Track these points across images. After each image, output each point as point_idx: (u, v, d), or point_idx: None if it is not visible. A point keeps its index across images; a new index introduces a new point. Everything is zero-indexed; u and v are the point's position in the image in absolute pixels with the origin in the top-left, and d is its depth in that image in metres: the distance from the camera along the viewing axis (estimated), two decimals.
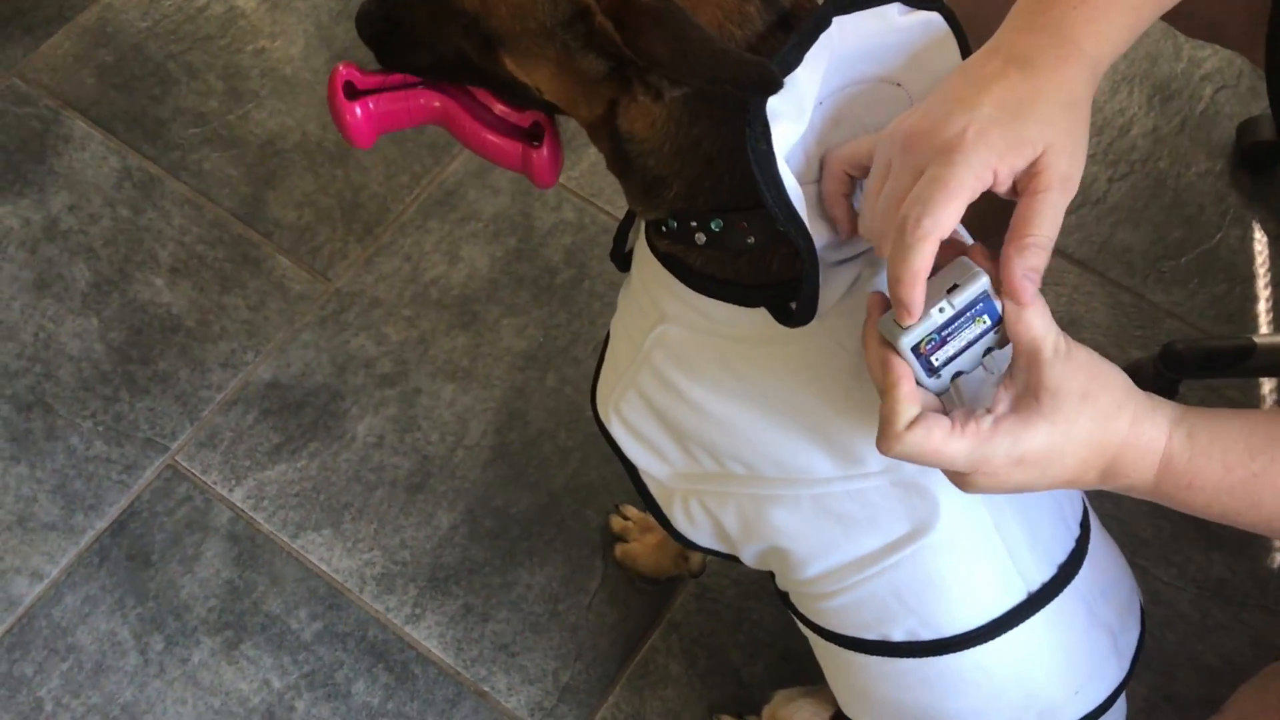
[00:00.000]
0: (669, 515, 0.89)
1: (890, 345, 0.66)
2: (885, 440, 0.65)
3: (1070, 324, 1.36)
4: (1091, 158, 1.47)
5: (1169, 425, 0.67)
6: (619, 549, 1.25)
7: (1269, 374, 1.32)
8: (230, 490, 1.28)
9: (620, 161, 0.74)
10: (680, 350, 0.79)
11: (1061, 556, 0.83)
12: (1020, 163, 0.63)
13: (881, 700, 0.88)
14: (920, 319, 0.64)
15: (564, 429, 1.32)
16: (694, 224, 0.74)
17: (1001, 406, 0.66)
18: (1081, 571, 0.84)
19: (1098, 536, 0.88)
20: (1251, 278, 1.41)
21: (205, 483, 1.29)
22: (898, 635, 0.83)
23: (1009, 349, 0.67)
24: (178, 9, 1.56)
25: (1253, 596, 1.25)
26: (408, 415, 1.33)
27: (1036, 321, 0.65)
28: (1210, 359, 1.26)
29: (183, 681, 1.20)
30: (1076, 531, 0.85)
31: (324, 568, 1.25)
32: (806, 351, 0.75)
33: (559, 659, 1.22)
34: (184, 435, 1.31)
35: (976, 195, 0.63)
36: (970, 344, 0.66)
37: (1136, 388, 0.68)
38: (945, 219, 0.62)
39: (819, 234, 0.69)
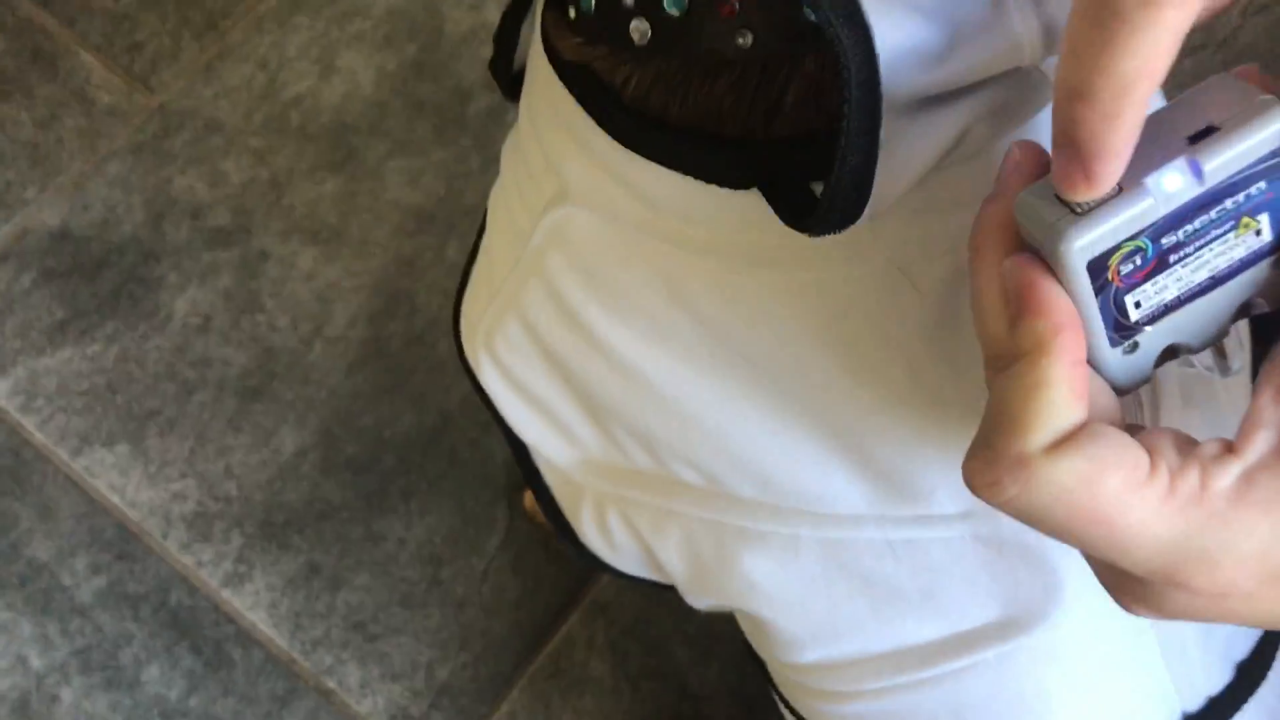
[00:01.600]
0: (574, 524, 0.53)
1: (1038, 252, 0.29)
2: (1000, 463, 0.29)
3: None
4: None
5: None
6: (529, 496, 0.89)
7: None
8: None
9: None
10: (595, 259, 0.42)
11: (1242, 653, 0.48)
12: None
13: None
14: (1115, 198, 0.28)
15: None
16: (628, 1, 0.36)
17: (1261, 441, 0.29)
18: (1272, 675, 0.49)
19: None
20: None
21: None
22: None
23: None
24: None
25: None
26: (247, 289, 0.95)
27: None
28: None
29: None
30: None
31: (115, 500, 0.89)
32: (838, 286, 0.38)
33: (436, 647, 0.87)
34: None
35: None
36: (1214, 281, 0.30)
37: None
38: None
39: (895, 24, 0.31)
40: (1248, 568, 0.29)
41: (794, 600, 0.45)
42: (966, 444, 0.30)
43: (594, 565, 0.54)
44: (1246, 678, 0.48)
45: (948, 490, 0.40)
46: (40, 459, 0.91)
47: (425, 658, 0.87)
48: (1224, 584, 0.29)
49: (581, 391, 0.46)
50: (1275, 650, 0.49)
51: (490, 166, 1.00)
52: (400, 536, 0.90)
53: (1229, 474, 0.28)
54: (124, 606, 0.87)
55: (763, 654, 0.53)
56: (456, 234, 0.97)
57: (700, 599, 0.51)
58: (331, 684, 0.86)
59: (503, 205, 0.49)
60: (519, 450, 0.53)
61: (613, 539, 0.51)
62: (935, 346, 0.37)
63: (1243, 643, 0.48)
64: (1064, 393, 0.28)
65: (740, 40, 0.34)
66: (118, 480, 0.90)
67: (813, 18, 0.28)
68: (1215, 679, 0.47)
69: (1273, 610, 0.30)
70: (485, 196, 0.95)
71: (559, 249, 0.43)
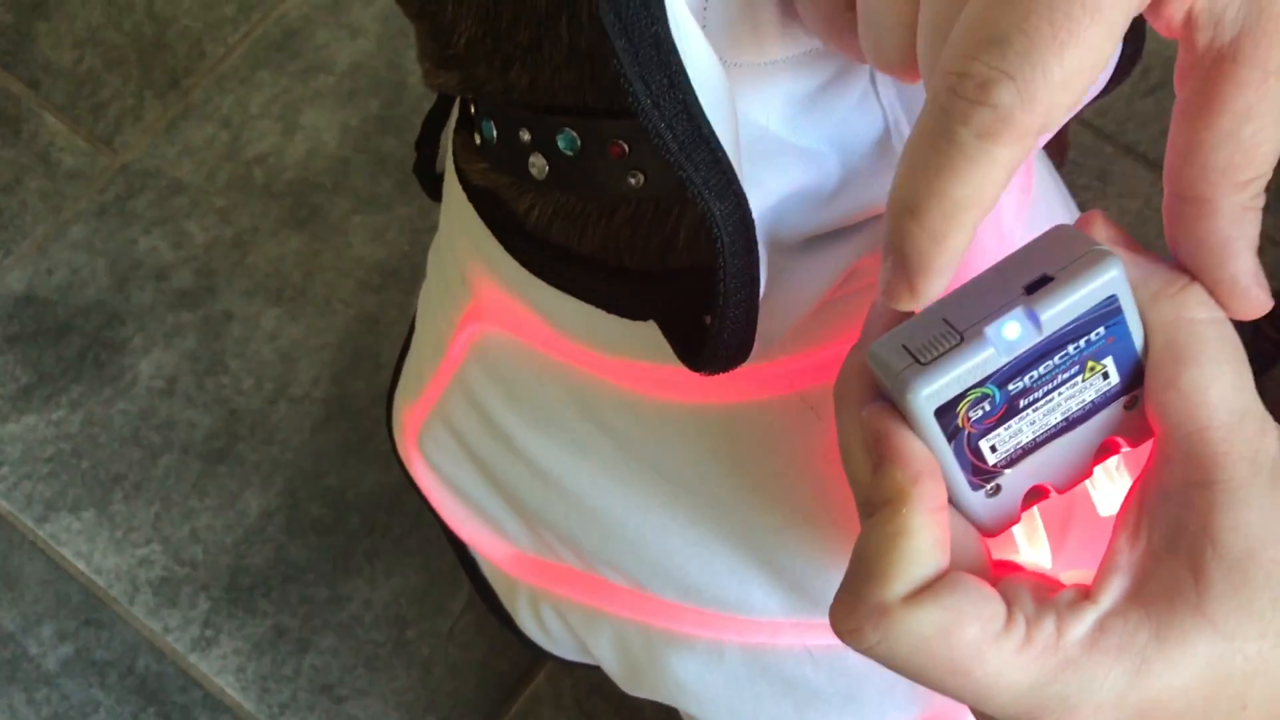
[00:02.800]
0: (512, 613, 0.53)
1: (893, 402, 0.29)
2: (860, 610, 0.30)
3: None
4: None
5: None
6: None
7: None
8: None
9: None
10: (514, 378, 0.42)
11: None
12: None
13: None
14: (958, 346, 0.28)
15: None
16: (525, 135, 0.36)
17: (1115, 587, 0.29)
18: None
19: None
20: None
21: None
22: None
23: (1145, 449, 0.31)
24: None
25: None
26: (212, 350, 0.95)
27: (1223, 380, 0.29)
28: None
29: None
30: None
31: (81, 566, 0.89)
32: (740, 412, 0.38)
33: (403, 709, 0.87)
34: None
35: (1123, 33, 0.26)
36: (1068, 423, 0.31)
37: None
38: (1062, 79, 0.25)
39: (781, 170, 0.31)
40: (1105, 713, 0.29)
41: (721, 701, 0.45)
42: None
43: (535, 653, 0.54)
44: None
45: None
46: (5, 526, 0.91)
47: (393, 719, 0.87)
48: None
49: (508, 494, 0.46)
50: None
51: None
52: (366, 598, 0.90)
53: (1083, 622, 0.29)
54: (91, 674, 0.87)
55: None
56: (419, 289, 0.97)
57: (636, 691, 0.52)
58: None
59: (427, 307, 0.49)
60: (456, 546, 0.53)
61: (549, 631, 0.51)
62: (834, 467, 0.38)
63: None
64: (924, 541, 0.28)
65: (632, 180, 0.35)
66: (84, 546, 0.90)
67: (674, 162, 0.28)
68: None
69: None
70: None
71: (476, 361, 0.43)
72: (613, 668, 0.49)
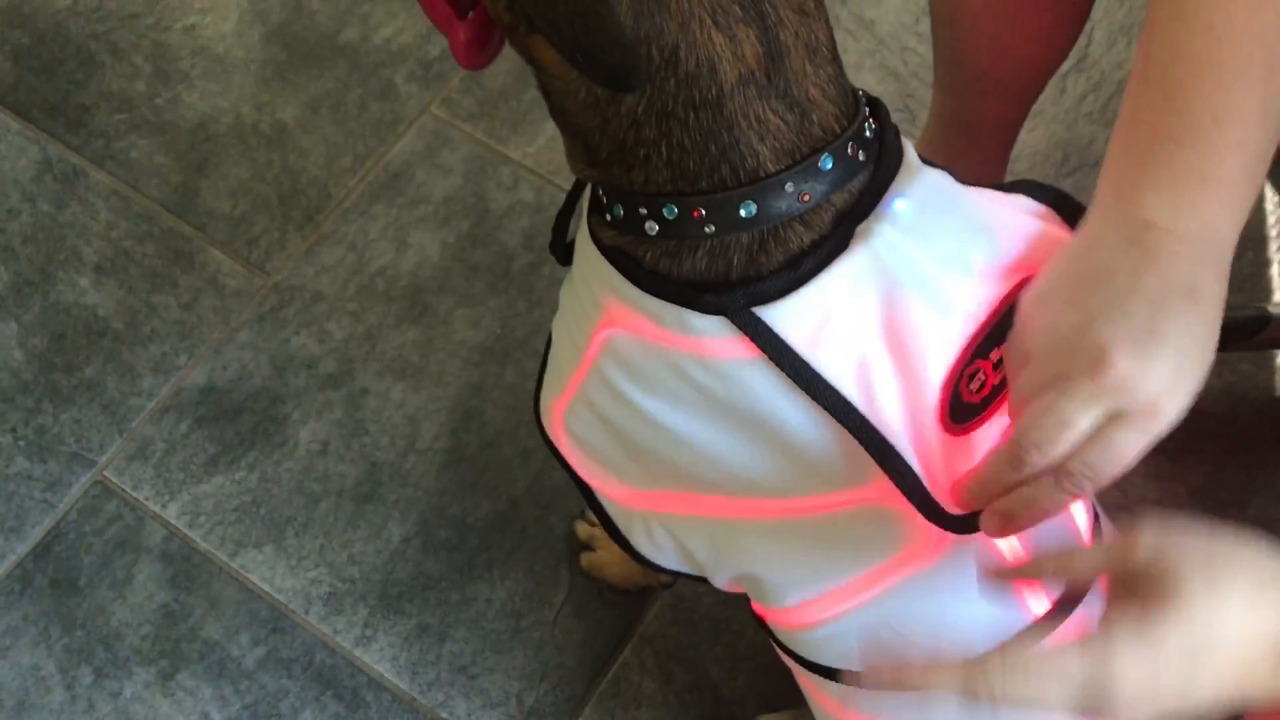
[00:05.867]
0: (630, 539, 0.79)
1: None
2: None
3: None
4: (1088, 116, 1.36)
5: None
6: (585, 558, 1.15)
7: None
8: (163, 506, 1.18)
9: (545, 97, 0.65)
10: (631, 359, 0.69)
11: None
12: None
13: None
14: None
15: (524, 428, 1.22)
16: (643, 210, 0.63)
17: None
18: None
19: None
20: (1263, 241, 1.31)
21: (136, 499, 1.19)
22: None
23: None
24: None
25: None
26: (354, 419, 1.23)
27: None
28: (1223, 332, 1.16)
29: (114, 717, 1.10)
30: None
31: (266, 588, 1.15)
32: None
33: (523, 680, 1.12)
34: (113, 448, 1.21)
35: None
36: None
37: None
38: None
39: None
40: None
41: (776, 561, 0.71)
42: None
43: (643, 564, 0.80)
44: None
45: (854, 474, 0.65)
46: (206, 562, 1.17)
47: (515, 688, 1.12)
48: None
49: (629, 445, 0.73)
50: None
51: (533, 309, 1.28)
52: (488, 597, 1.15)
53: None
54: (280, 669, 1.13)
55: (764, 611, 0.78)
56: (511, 361, 1.25)
57: (720, 575, 0.77)
58: (444, 715, 1.11)
59: (564, 328, 0.76)
60: (588, 495, 0.79)
61: (657, 544, 0.77)
62: None
63: None
64: None
65: (707, 229, 0.62)
66: (267, 573, 1.16)
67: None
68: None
69: None
70: (532, 332, 1.26)
71: (607, 354, 0.70)
72: (704, 557, 0.75)
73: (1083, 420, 0.56)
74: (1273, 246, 1.31)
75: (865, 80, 1.38)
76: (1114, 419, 0.56)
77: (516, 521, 1.18)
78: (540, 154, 1.35)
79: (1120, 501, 1.09)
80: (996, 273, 0.64)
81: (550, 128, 1.35)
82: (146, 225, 1.32)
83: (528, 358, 1.25)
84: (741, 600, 1.14)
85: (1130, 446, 0.56)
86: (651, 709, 1.11)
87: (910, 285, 0.61)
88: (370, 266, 1.30)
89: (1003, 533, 0.60)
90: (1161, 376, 0.56)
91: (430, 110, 1.38)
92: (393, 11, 1.44)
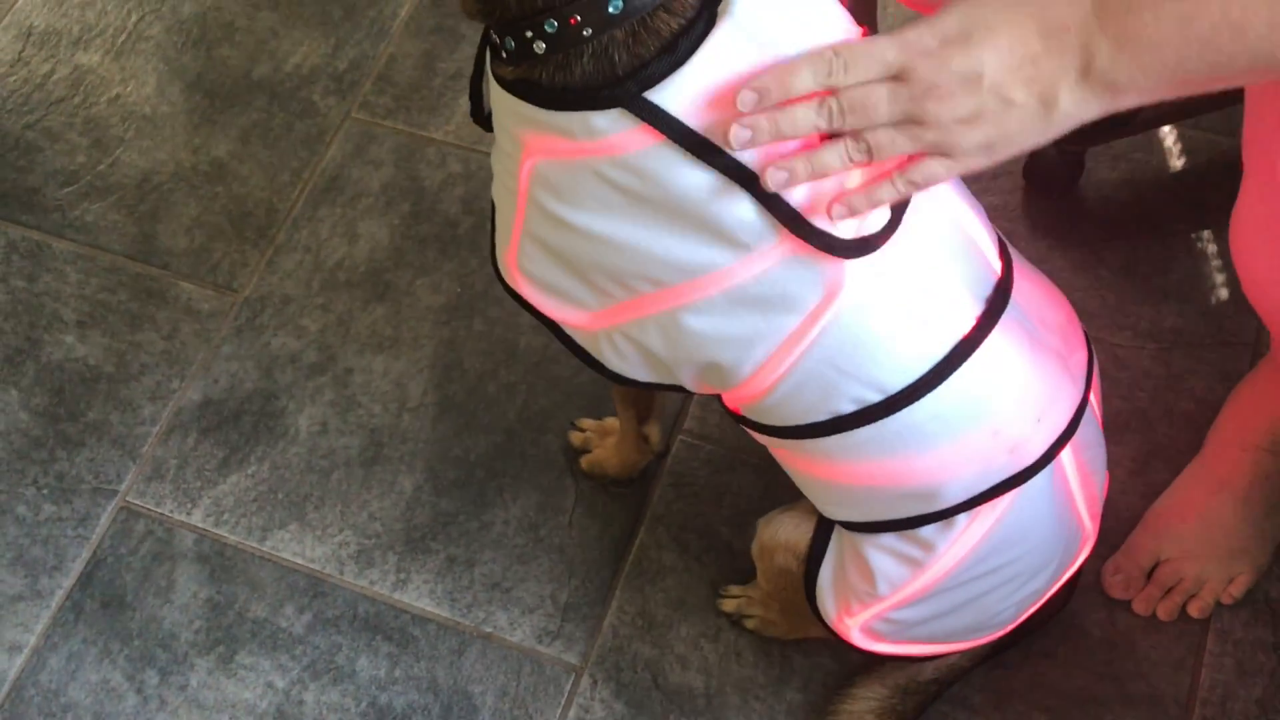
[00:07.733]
0: (599, 357, 0.87)
1: None
2: None
3: None
4: None
5: None
6: (584, 460, 1.23)
7: (1166, 121, 1.32)
8: (188, 514, 1.26)
9: None
10: (557, 181, 0.78)
11: (988, 289, 0.82)
12: None
13: (853, 486, 0.87)
14: None
15: (502, 367, 1.30)
16: (529, 33, 0.72)
17: None
18: (1013, 299, 0.83)
19: (1022, 266, 0.88)
20: None
21: (161, 514, 1.26)
22: (848, 407, 0.81)
23: None
24: (24, 81, 1.55)
25: (1209, 335, 1.25)
26: (345, 396, 1.31)
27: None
28: (1099, 121, 1.26)
29: (186, 708, 1.17)
30: (997, 264, 0.84)
31: (299, 561, 1.23)
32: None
33: (553, 582, 1.20)
34: (130, 475, 1.28)
35: None
36: None
37: None
38: None
39: None
40: (929, 47, 0.66)
41: (723, 335, 0.78)
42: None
43: (613, 379, 0.88)
44: (994, 303, 0.82)
45: (763, 234, 0.74)
46: (239, 552, 1.24)
47: (548, 590, 1.19)
48: (928, 69, 0.67)
49: (575, 267, 0.81)
50: (1010, 284, 0.83)
51: (484, 265, 1.36)
52: (504, 520, 1.23)
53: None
54: (328, 628, 1.20)
55: (732, 403, 0.87)
56: (476, 312, 1.34)
57: (685, 372, 0.85)
58: (489, 629, 1.18)
59: (499, 185, 0.85)
60: (556, 331, 0.87)
61: (623, 354, 0.85)
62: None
63: (984, 281, 0.82)
64: None
65: (585, 33, 0.71)
66: (297, 548, 1.24)
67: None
68: (976, 306, 0.81)
69: (961, 69, 0.66)
70: (488, 284, 1.35)
71: (536, 183, 0.79)
72: (663, 353, 0.83)
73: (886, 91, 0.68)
74: None
75: None
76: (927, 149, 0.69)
77: (515, 448, 1.26)
78: (459, 129, 1.45)
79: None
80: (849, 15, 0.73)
81: (463, 105, 1.46)
82: (115, 276, 1.40)
83: (490, 305, 1.34)
84: (735, 463, 1.23)
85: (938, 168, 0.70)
86: (676, 577, 1.18)
87: (779, 45, 0.71)
88: (328, 262, 1.39)
89: (756, 139, 0.70)
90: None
91: (351, 116, 1.48)
92: (296, 40, 1.54)
